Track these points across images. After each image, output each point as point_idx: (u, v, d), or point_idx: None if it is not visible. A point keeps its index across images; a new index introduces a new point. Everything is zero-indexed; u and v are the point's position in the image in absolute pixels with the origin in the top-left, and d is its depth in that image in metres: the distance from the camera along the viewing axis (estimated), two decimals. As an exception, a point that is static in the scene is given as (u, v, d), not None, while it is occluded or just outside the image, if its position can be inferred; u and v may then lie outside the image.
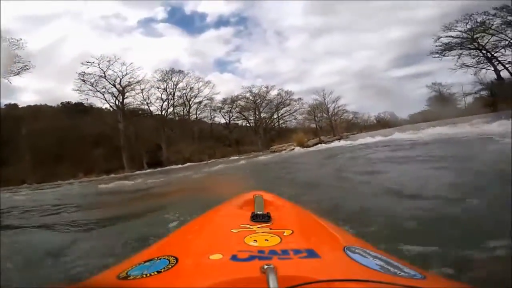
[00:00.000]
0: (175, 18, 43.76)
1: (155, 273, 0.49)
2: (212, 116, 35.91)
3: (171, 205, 3.35)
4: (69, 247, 1.98)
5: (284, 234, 0.64)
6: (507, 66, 22.40)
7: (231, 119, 36.15)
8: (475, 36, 22.97)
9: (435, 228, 1.54)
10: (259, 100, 34.54)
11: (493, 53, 22.76)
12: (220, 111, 35.85)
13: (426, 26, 34.85)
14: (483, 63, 23.42)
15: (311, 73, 45.82)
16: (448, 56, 24.08)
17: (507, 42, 21.98)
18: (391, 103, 41.26)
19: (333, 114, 32.88)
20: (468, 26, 22.91)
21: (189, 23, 44.68)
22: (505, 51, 22.43)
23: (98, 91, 29.61)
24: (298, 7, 46.92)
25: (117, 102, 30.96)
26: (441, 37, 23.98)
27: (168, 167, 23.50)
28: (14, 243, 2.39)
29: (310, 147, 17.76)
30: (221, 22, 47.75)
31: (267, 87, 34.54)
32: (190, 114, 35.36)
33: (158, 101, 33.49)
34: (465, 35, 23.36)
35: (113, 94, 30.57)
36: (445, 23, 23.59)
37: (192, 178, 8.64)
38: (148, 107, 33.61)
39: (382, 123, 32.35)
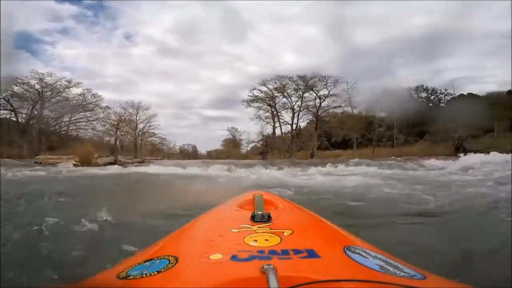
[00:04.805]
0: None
1: (155, 273, 0.49)
2: None
3: None
4: None
5: (284, 234, 0.64)
6: (282, 124, 29.56)
7: (-19, 104, 23.79)
8: (274, 95, 29.04)
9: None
10: (50, 92, 25.80)
11: (277, 112, 29.23)
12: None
13: (250, 80, 42.66)
14: (269, 118, 29.52)
15: (137, 87, 42.35)
16: (252, 106, 29.33)
17: (288, 105, 28.80)
18: (196, 137, 45.85)
19: (141, 134, 28.51)
20: (275, 86, 28.62)
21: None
22: (286, 113, 29.17)
23: None
24: (167, 21, 41.30)
25: None
26: (255, 89, 29.31)
27: None
28: None
29: (99, 165, 14.70)
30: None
31: (69, 82, 26.61)
32: None
33: None
34: (269, 92, 29.11)
35: None
36: (262, 78, 28.98)
37: None
38: None
39: (184, 154, 34.35)
